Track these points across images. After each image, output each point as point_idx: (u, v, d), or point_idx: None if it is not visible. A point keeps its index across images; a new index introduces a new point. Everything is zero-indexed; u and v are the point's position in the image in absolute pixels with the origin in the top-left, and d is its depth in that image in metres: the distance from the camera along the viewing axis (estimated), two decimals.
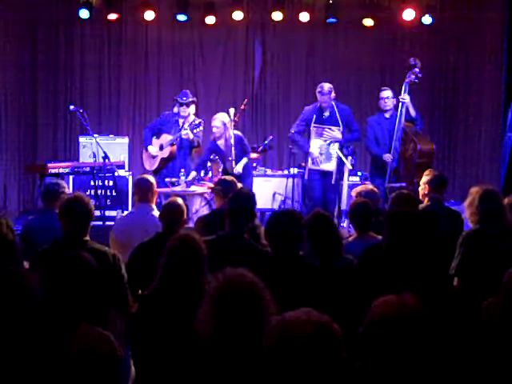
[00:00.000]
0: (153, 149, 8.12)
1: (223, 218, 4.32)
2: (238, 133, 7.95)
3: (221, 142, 7.83)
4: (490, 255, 4.01)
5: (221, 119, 7.80)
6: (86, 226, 3.97)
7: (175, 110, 8.20)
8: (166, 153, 8.07)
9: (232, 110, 7.85)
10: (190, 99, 8.16)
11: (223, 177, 5.93)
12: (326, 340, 1.91)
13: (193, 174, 7.91)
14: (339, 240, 4.22)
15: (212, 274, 3.19)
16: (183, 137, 7.90)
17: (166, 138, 8.08)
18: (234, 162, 7.73)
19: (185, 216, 4.68)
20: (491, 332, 2.76)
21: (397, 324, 2.04)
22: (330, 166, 7.73)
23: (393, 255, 3.13)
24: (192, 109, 8.21)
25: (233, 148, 7.69)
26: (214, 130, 7.79)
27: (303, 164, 8.25)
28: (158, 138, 8.16)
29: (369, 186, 5.90)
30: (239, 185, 5.54)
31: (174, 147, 8.04)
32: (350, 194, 8.07)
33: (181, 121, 8.07)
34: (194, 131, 7.93)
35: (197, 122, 8.00)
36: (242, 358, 2.29)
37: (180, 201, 4.73)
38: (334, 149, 7.65)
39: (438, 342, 2.09)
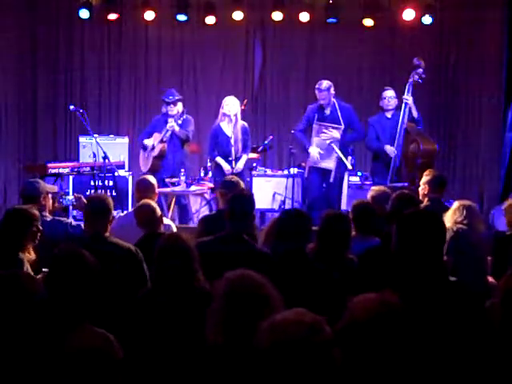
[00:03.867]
0: (149, 141, 8.12)
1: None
2: (245, 123, 7.96)
3: (229, 128, 7.78)
4: None
5: (234, 102, 7.78)
6: (103, 223, 4.19)
7: (163, 110, 8.21)
8: (156, 151, 8.08)
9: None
10: (176, 97, 8.14)
11: (227, 177, 5.87)
12: (315, 341, 1.90)
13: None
14: (349, 243, 4.20)
15: (209, 274, 3.20)
16: (168, 128, 7.89)
17: (156, 136, 8.10)
18: (233, 162, 7.72)
19: (159, 213, 4.80)
20: (494, 332, 2.77)
21: (377, 321, 2.05)
22: (330, 164, 7.73)
23: (404, 256, 3.12)
24: (179, 107, 8.18)
25: (237, 145, 7.71)
26: (227, 110, 7.72)
27: (303, 164, 8.25)
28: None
29: (383, 187, 5.86)
30: (242, 184, 5.53)
31: (164, 145, 8.04)
32: (350, 194, 8.15)
33: (170, 118, 8.07)
34: (179, 121, 7.92)
35: (178, 114, 8.01)
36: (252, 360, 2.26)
37: (150, 201, 4.90)
38: (335, 147, 7.65)
39: (420, 339, 2.09)
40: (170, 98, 8.11)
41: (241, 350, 2.29)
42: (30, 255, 4.10)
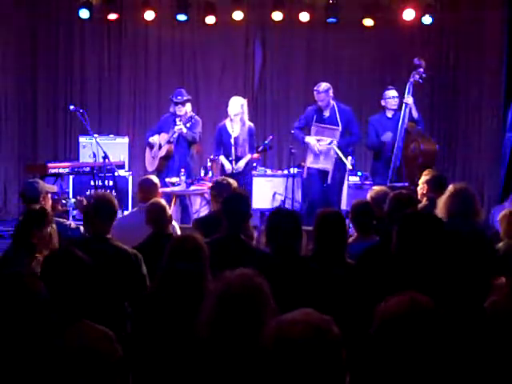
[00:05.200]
0: (154, 138, 8.12)
1: (219, 220, 4.31)
2: (251, 124, 8.00)
3: (231, 127, 7.80)
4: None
5: (240, 102, 7.82)
6: (109, 224, 4.16)
7: (171, 109, 8.20)
8: (163, 151, 8.07)
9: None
10: (185, 98, 8.14)
11: (219, 179, 5.80)
12: (322, 342, 1.90)
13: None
14: (345, 242, 4.18)
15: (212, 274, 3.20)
16: (176, 130, 7.90)
17: (163, 136, 8.10)
18: (233, 161, 7.74)
19: (168, 213, 4.77)
20: (496, 329, 2.77)
21: (410, 321, 2.06)
22: (328, 165, 7.74)
23: (404, 257, 3.12)
24: (188, 107, 8.19)
25: (238, 145, 7.74)
26: (233, 112, 7.78)
27: (303, 164, 8.26)
28: None
29: (383, 188, 5.84)
30: (234, 184, 5.49)
31: (171, 146, 8.04)
32: (350, 194, 8.15)
33: (178, 120, 8.07)
34: (187, 125, 7.92)
35: (188, 116, 8.02)
36: (238, 359, 2.27)
37: (161, 200, 4.86)
38: (333, 148, 7.66)
39: (449, 339, 2.10)
40: (179, 98, 8.11)
41: (225, 348, 2.29)
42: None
